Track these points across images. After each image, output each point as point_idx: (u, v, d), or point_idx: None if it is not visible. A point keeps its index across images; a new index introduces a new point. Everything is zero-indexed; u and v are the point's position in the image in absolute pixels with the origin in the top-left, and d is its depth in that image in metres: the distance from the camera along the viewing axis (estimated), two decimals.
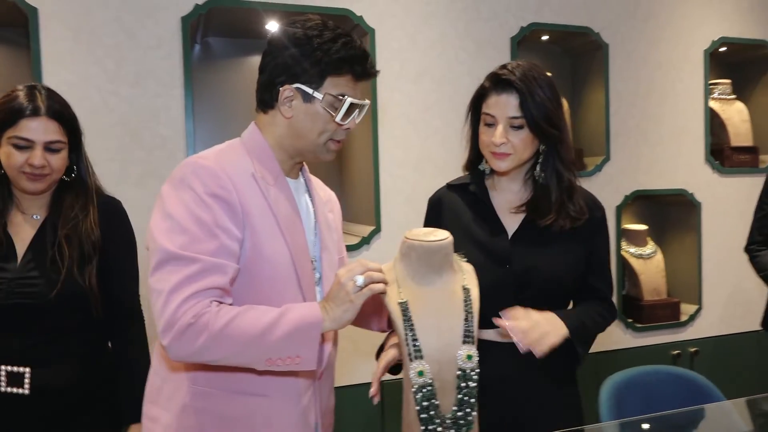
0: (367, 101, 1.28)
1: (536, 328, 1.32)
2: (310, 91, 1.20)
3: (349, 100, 1.21)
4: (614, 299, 2.84)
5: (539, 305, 1.40)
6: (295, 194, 1.29)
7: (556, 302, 1.45)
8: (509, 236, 1.47)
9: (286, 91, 1.21)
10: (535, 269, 1.43)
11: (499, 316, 1.33)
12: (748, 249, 2.38)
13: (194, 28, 2.35)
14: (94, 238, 1.48)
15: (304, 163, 1.37)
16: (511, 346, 1.34)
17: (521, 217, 1.49)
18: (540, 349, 1.32)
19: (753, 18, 3.13)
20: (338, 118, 1.21)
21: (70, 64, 2.08)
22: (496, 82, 1.43)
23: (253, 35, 2.57)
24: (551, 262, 1.44)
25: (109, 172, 2.13)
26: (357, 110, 1.25)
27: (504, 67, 1.45)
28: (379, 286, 1.16)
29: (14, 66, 2.31)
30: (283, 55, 1.21)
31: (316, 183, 1.43)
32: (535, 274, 1.43)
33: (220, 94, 2.62)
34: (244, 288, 1.17)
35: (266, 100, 1.25)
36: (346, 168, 2.74)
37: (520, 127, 1.41)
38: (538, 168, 1.48)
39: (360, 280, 1.14)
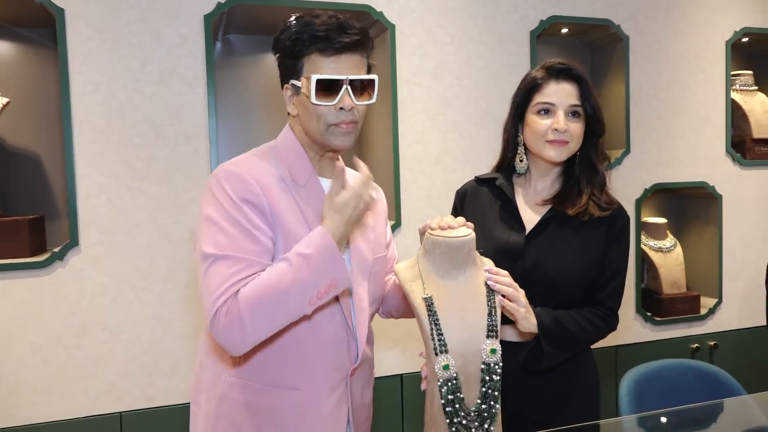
0: (346, 76, 1.19)
1: (528, 308, 1.35)
2: (296, 83, 1.22)
3: (314, 77, 1.17)
4: (632, 296, 2.86)
5: (545, 301, 1.42)
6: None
7: (563, 300, 1.45)
8: (527, 232, 1.49)
9: (287, 91, 1.26)
10: (544, 265, 1.44)
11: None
12: None
13: (215, 25, 2.37)
14: None
15: (339, 159, 1.38)
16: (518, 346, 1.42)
17: (545, 209, 1.50)
18: (522, 326, 1.34)
19: None
20: (312, 99, 1.18)
21: (97, 64, 2.13)
22: (555, 72, 1.46)
23: (273, 32, 2.57)
24: (561, 259, 1.45)
25: (135, 169, 2.18)
26: (345, 87, 1.19)
27: (551, 62, 1.49)
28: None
29: (41, 66, 2.36)
30: (277, 59, 1.27)
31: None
32: (543, 270, 1.44)
33: (241, 90, 2.65)
34: None
35: (285, 104, 1.29)
36: (366, 163, 2.76)
37: (576, 117, 1.45)
38: (576, 161, 1.50)
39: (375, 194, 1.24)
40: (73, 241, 2.11)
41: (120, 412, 2.18)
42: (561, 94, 1.44)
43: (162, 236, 2.21)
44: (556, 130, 1.43)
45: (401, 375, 2.52)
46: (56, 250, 2.11)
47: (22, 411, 2.09)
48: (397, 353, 2.51)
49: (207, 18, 2.22)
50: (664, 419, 1.68)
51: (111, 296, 2.17)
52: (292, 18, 1.23)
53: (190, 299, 2.26)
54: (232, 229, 1.15)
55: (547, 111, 1.46)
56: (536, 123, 1.46)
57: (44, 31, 2.36)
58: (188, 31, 2.22)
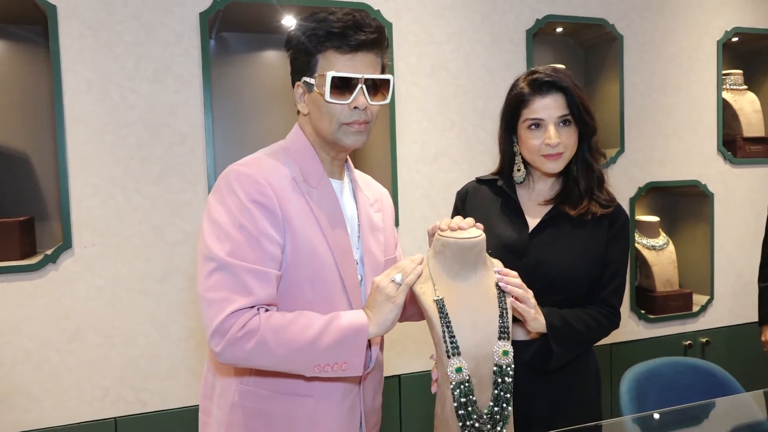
0: (361, 75, 1.17)
1: (537, 309, 1.36)
2: (309, 80, 1.20)
3: (329, 74, 1.15)
4: (626, 294, 2.88)
5: (548, 299, 1.42)
6: (339, 195, 1.29)
7: (566, 298, 1.46)
8: (530, 230, 1.49)
9: (298, 88, 1.24)
10: (548, 263, 1.45)
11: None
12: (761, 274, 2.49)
13: (210, 23, 2.34)
14: None
15: (349, 161, 1.36)
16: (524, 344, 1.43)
17: (547, 209, 1.51)
18: (531, 326, 1.35)
19: (765, 8, 3.12)
20: (327, 96, 1.16)
21: (90, 62, 2.08)
22: (539, 85, 1.46)
23: (267, 30, 2.56)
24: (564, 257, 1.46)
25: (130, 170, 2.14)
26: (360, 86, 1.17)
27: (536, 71, 1.48)
28: (412, 277, 1.20)
29: (32, 64, 2.31)
30: (290, 56, 1.24)
31: (365, 182, 1.42)
32: (546, 268, 1.45)
33: (235, 89, 2.61)
34: (286, 291, 1.18)
35: (296, 101, 1.27)
36: (364, 162, 2.74)
37: (566, 125, 1.46)
38: (573, 160, 1.51)
39: (398, 278, 1.18)
40: (66, 244, 2.06)
41: (115, 418, 2.14)
42: (548, 108, 1.45)
43: (157, 238, 2.17)
44: (548, 145, 1.44)
45: (399, 376, 2.51)
46: (48, 252, 2.07)
47: (14, 417, 2.04)
48: (394, 354, 2.50)
49: (203, 15, 2.19)
50: (665, 417, 1.69)
51: (105, 299, 2.12)
52: (315, 13, 1.21)
53: (187, 302, 2.22)
54: (237, 235, 1.12)
55: (537, 125, 1.46)
56: (529, 139, 1.48)
57: (35, 28, 2.30)
58: (183, 28, 2.18)
